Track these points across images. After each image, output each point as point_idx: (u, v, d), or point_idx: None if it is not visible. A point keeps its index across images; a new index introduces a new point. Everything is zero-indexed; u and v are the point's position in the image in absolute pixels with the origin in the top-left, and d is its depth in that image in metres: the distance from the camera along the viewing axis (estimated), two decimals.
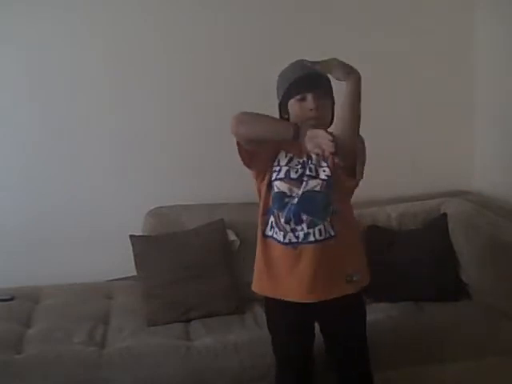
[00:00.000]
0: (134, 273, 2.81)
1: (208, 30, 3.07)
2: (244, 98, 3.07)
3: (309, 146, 1.87)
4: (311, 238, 2.00)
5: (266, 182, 2.05)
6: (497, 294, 2.70)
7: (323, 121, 2.00)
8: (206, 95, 3.10)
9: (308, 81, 1.97)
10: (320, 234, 2.00)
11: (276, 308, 2.12)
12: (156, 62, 3.06)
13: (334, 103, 2.05)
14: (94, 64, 3.02)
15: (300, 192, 2.00)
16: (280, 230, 2.02)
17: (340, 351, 2.13)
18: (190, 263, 2.73)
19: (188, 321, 2.64)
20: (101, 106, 3.06)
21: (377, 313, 2.51)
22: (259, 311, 2.66)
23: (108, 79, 3.04)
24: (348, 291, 2.04)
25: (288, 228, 2.01)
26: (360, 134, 1.99)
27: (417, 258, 2.78)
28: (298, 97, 1.98)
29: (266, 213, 2.06)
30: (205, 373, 2.36)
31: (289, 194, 2.01)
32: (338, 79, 1.89)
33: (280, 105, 2.05)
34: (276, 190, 2.02)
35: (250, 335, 2.49)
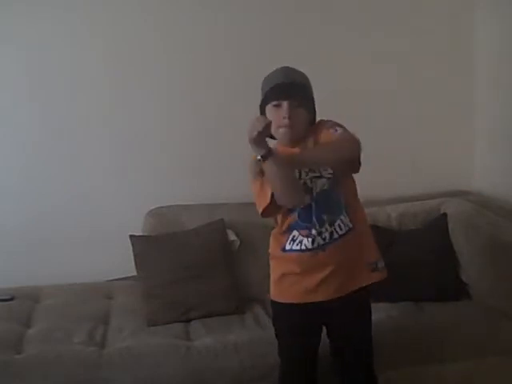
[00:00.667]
0: (134, 273, 2.81)
1: (208, 30, 3.07)
2: (244, 98, 3.07)
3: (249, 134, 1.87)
4: (335, 236, 2.02)
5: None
6: (497, 294, 2.70)
7: (295, 130, 2.00)
8: (206, 95, 3.10)
9: (287, 89, 1.98)
10: (341, 229, 2.02)
11: (283, 311, 2.12)
12: (156, 61, 3.06)
13: (314, 114, 2.06)
14: (94, 64, 3.02)
15: (314, 194, 2.01)
16: (308, 237, 2.02)
17: (349, 353, 2.13)
18: (190, 263, 2.73)
19: (188, 321, 2.64)
20: (101, 105, 3.06)
21: (377, 313, 2.49)
22: (259, 311, 2.67)
23: (108, 79, 3.04)
24: (374, 279, 2.07)
25: (314, 232, 2.02)
26: (347, 129, 2.01)
27: (417, 257, 2.78)
28: (275, 103, 1.99)
29: (287, 231, 2.06)
30: (205, 373, 2.36)
31: (310, 202, 2.01)
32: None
33: (260, 107, 2.07)
34: (298, 208, 2.02)
35: (250, 335, 2.48)
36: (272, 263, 2.15)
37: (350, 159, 1.95)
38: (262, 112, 2.05)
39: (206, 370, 2.36)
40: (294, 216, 2.03)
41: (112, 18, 3.00)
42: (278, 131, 2.00)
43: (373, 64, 3.20)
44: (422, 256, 2.79)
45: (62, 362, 2.33)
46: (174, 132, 3.11)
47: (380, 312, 2.55)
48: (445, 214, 2.93)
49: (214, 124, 3.11)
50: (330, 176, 2.01)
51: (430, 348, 2.50)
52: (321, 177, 2.01)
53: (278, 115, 1.98)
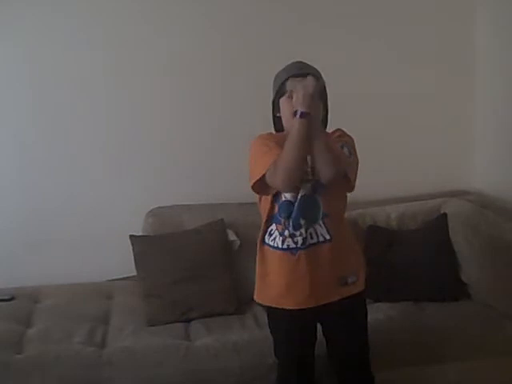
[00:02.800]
0: (134, 273, 2.81)
1: (208, 30, 3.07)
2: (244, 98, 3.09)
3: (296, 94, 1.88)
4: (307, 243, 2.00)
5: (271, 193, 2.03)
6: (497, 294, 2.70)
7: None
8: (206, 95, 3.09)
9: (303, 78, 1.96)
10: (312, 238, 2.01)
11: (277, 313, 2.11)
12: (156, 61, 3.06)
13: (326, 107, 2.06)
14: (94, 64, 3.02)
15: (298, 197, 2.00)
16: (280, 236, 2.02)
17: (342, 353, 2.13)
18: (190, 263, 2.73)
19: (188, 321, 2.64)
20: (101, 105, 3.06)
21: (377, 313, 2.51)
22: (259, 311, 2.66)
23: (108, 79, 3.04)
24: (344, 294, 2.03)
25: (287, 233, 2.01)
26: (350, 135, 2.02)
27: (417, 258, 2.78)
28: (289, 94, 1.97)
29: (269, 220, 2.05)
30: (205, 373, 2.36)
31: (293, 201, 2.01)
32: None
33: (273, 102, 2.05)
34: (284, 198, 2.01)
35: (250, 335, 2.49)
36: (257, 257, 2.12)
37: (340, 176, 1.93)
38: (276, 108, 2.04)
39: (205, 370, 2.36)
40: (276, 207, 2.02)
41: (112, 18, 3.00)
42: (294, 120, 1.95)
43: (373, 65, 3.20)
44: (421, 256, 2.79)
45: (61, 362, 2.33)
46: (174, 132, 3.10)
47: (380, 312, 2.56)
48: (445, 214, 2.93)
49: (214, 124, 3.11)
50: (313, 182, 1.98)
51: (430, 348, 2.50)
52: (308, 181, 1.99)
53: (293, 106, 1.94)
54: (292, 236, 2.00)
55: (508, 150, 3.15)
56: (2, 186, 3.02)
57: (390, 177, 3.17)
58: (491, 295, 2.70)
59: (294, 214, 1.99)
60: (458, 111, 3.37)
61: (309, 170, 1.98)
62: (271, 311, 2.15)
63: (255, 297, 2.16)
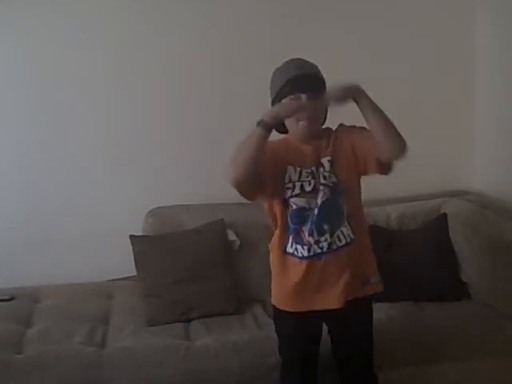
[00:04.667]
0: (134, 273, 2.81)
1: (208, 30, 3.07)
2: (244, 98, 3.09)
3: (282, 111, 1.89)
4: (334, 246, 2.00)
5: (279, 200, 2.01)
6: (497, 294, 2.70)
7: (315, 123, 1.99)
8: (206, 95, 3.09)
9: (303, 81, 1.95)
10: (340, 241, 2.00)
11: (284, 313, 2.10)
12: (156, 61, 3.06)
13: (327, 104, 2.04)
14: (94, 63, 3.02)
15: (319, 202, 1.98)
16: (304, 245, 2.00)
17: (347, 353, 2.13)
18: (190, 263, 2.73)
19: (188, 321, 2.64)
20: (101, 105, 3.06)
21: (377, 313, 2.49)
22: (259, 311, 2.67)
23: (108, 79, 3.04)
24: (368, 292, 2.05)
25: (312, 241, 1.99)
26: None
27: (417, 258, 2.78)
28: (292, 96, 1.96)
29: (286, 230, 2.03)
30: (205, 373, 2.35)
31: (308, 207, 1.99)
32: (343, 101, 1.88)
33: (273, 102, 2.03)
34: (294, 206, 2.00)
35: (250, 335, 2.48)
36: (273, 263, 2.11)
37: (397, 150, 1.93)
38: None
39: (205, 370, 2.36)
40: (287, 215, 2.01)
41: (112, 18, 3.00)
42: (298, 124, 1.96)
43: (373, 65, 3.20)
44: (421, 256, 2.79)
45: (61, 362, 2.33)
46: (174, 132, 3.10)
47: (380, 312, 2.55)
48: (445, 214, 2.93)
49: (214, 124, 3.11)
50: (333, 185, 1.98)
51: (430, 348, 2.50)
52: (328, 185, 1.98)
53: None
54: (317, 242, 1.99)
55: (508, 150, 3.14)
56: (2, 185, 3.02)
57: (390, 177, 3.15)
58: (491, 295, 2.70)
59: (316, 221, 1.98)
60: (457, 111, 3.37)
61: (326, 173, 1.97)
62: (277, 310, 2.13)
63: (273, 301, 2.12)
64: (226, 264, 2.79)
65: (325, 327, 2.15)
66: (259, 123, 1.86)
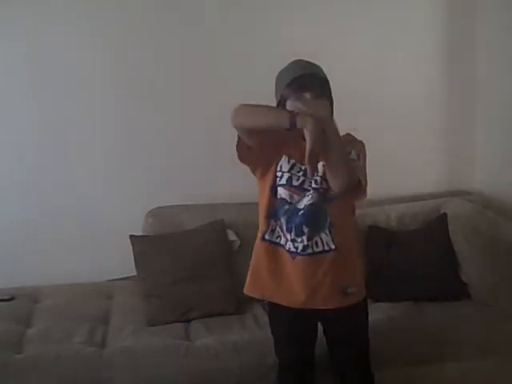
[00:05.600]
0: (134, 273, 2.81)
1: (208, 30, 3.07)
2: (244, 98, 3.08)
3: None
4: (309, 251, 1.99)
5: (268, 184, 2.02)
6: (497, 294, 2.70)
7: None
8: (206, 95, 3.09)
9: (306, 80, 1.95)
10: (317, 246, 2.00)
11: (278, 311, 2.11)
12: (156, 61, 3.06)
13: (332, 104, 2.03)
14: (94, 64, 3.02)
15: (305, 204, 1.98)
16: (283, 237, 2.02)
17: (342, 352, 2.13)
18: (189, 263, 2.73)
19: (188, 321, 2.64)
20: (101, 106, 3.05)
21: (377, 313, 2.50)
22: (259, 311, 2.66)
23: (108, 79, 3.04)
24: (342, 304, 2.02)
25: (288, 237, 2.00)
26: (361, 140, 2.01)
27: (417, 257, 2.78)
28: (297, 96, 1.94)
29: (269, 216, 2.04)
30: (205, 373, 2.36)
31: (289, 201, 2.00)
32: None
33: (278, 105, 2.03)
34: (278, 196, 2.01)
35: (250, 335, 2.49)
36: (254, 250, 2.10)
37: (352, 185, 1.90)
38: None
39: (205, 370, 2.36)
40: (275, 203, 2.00)
41: (112, 18, 3.00)
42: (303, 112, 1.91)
43: (372, 65, 3.20)
44: (421, 256, 2.79)
45: (61, 362, 2.33)
46: (174, 132, 3.10)
47: (380, 312, 2.56)
48: (445, 214, 2.93)
49: (214, 124, 3.10)
50: (323, 191, 1.97)
51: (430, 348, 2.50)
52: (316, 190, 1.97)
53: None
54: (293, 241, 2.00)
55: (508, 150, 3.15)
56: (2, 186, 3.02)
57: (390, 177, 3.17)
58: (491, 295, 2.70)
59: (298, 221, 1.98)
60: (458, 111, 3.37)
61: (318, 178, 1.97)
62: (272, 306, 2.14)
63: (245, 290, 2.13)
64: (226, 264, 2.79)
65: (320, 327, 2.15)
66: (292, 119, 1.76)
